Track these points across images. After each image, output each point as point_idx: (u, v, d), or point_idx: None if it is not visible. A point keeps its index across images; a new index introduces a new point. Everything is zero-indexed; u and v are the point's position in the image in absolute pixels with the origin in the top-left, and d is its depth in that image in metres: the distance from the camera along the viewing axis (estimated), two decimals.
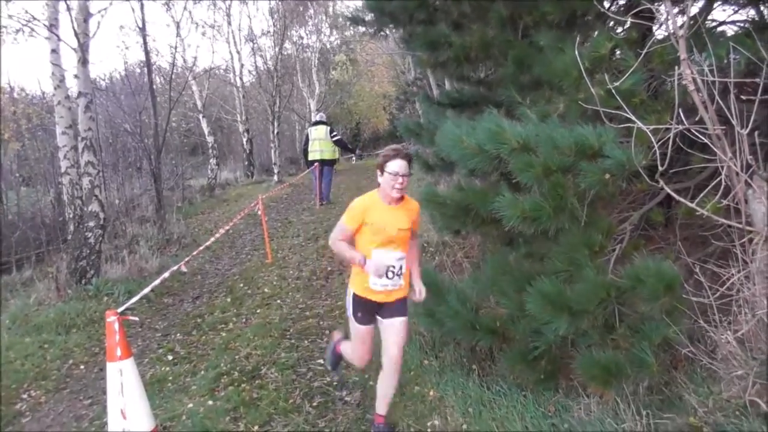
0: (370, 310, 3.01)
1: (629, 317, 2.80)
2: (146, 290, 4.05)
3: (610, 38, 2.93)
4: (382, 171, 2.91)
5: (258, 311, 5.43)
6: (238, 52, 20.01)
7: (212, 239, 5.97)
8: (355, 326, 3.05)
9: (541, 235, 2.94)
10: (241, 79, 20.18)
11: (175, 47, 13.48)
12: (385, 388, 3.04)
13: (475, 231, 3.95)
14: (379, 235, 2.89)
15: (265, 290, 6.13)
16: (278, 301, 5.70)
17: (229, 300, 5.87)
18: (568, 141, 2.64)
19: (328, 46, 25.86)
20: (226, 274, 7.06)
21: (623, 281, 2.70)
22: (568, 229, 2.88)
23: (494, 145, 2.83)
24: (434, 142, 4.93)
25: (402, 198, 2.98)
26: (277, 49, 19.11)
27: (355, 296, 3.00)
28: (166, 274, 4.41)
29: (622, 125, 2.65)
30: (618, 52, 2.99)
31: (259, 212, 8.08)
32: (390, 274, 2.88)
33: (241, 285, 6.42)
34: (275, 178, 17.75)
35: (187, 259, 5.11)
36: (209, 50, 50.25)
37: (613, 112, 2.67)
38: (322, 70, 24.88)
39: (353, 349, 3.17)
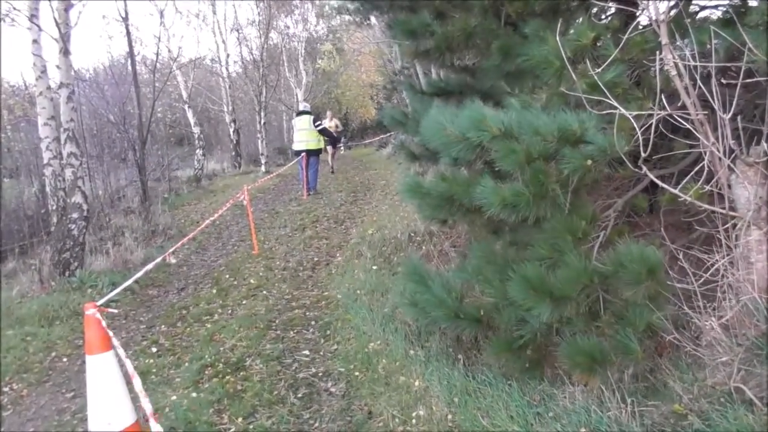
0: None
1: (613, 304, 2.78)
2: (130, 281, 3.99)
3: (593, 27, 2.89)
4: None
5: (244, 302, 5.38)
6: (223, 42, 19.79)
7: (198, 230, 5.90)
8: None
9: (524, 223, 2.91)
10: (227, 69, 19.99)
11: (159, 37, 13.33)
12: None
13: (461, 220, 3.92)
14: None
15: (251, 281, 6.07)
16: (264, 292, 5.65)
17: (214, 291, 5.80)
18: (550, 127, 2.60)
19: (315, 36, 25.65)
20: (212, 266, 6.98)
21: (606, 267, 2.68)
22: (551, 217, 2.85)
23: (476, 133, 2.78)
24: (419, 131, 4.90)
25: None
26: (262, 39, 18.92)
27: None
28: (151, 266, 4.35)
29: (605, 112, 2.62)
30: (600, 41, 2.95)
31: (245, 203, 7.99)
32: None
33: (227, 276, 6.36)
34: (262, 168, 17.64)
35: (172, 249, 5.04)
36: (194, 40, 49.59)
37: (596, 100, 2.63)
38: (309, 59, 24.68)
39: None
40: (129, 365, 2.72)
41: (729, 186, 2.51)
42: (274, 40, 22.24)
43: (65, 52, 6.46)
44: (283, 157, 23.19)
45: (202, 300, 5.54)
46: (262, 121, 18.57)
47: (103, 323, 2.72)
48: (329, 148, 14.95)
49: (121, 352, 2.71)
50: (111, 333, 2.77)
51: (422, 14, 4.26)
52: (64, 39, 6.44)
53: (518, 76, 3.90)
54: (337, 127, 15.70)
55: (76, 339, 4.74)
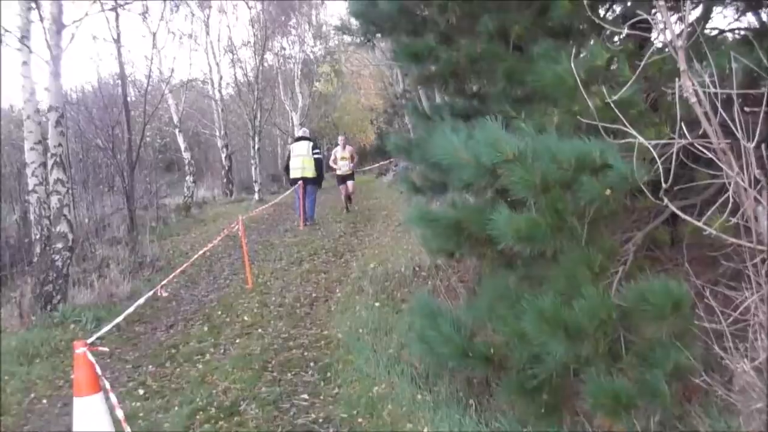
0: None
1: (636, 344, 2.77)
2: (119, 319, 3.98)
3: (607, 49, 2.95)
4: None
5: (237, 341, 5.35)
6: (216, 64, 20.06)
7: (189, 262, 5.91)
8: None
9: (539, 256, 2.92)
10: (219, 92, 20.28)
11: (151, 59, 13.51)
12: None
13: (471, 253, 3.93)
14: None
15: (245, 318, 6.06)
16: (259, 330, 5.63)
17: (206, 329, 5.78)
18: (567, 153, 2.62)
19: (312, 57, 26.02)
20: (202, 301, 6.97)
21: (627, 302, 2.68)
22: (567, 249, 2.86)
23: (489, 156, 2.80)
24: (425, 158, 4.95)
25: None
26: (257, 61, 19.21)
27: None
28: (141, 301, 4.34)
29: (622, 141, 2.65)
30: (614, 64, 3.01)
31: (239, 234, 8.02)
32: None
33: (219, 312, 6.34)
34: (256, 196, 17.74)
35: (163, 282, 5.05)
36: (187, 61, 50.32)
37: (610, 126, 2.67)
38: (306, 81, 25.03)
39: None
40: (120, 410, 2.70)
41: (755, 218, 2.53)
42: (269, 62, 22.60)
43: (56, 74, 6.58)
44: (277, 184, 23.32)
45: (193, 338, 5.52)
46: (256, 147, 18.74)
47: (95, 363, 2.72)
48: (348, 184, 13.62)
49: (112, 396, 2.70)
50: (101, 374, 2.76)
51: (427, 38, 4.34)
52: (55, 61, 6.56)
53: (525, 101, 3.96)
54: (352, 158, 13.73)
55: (57, 379, 4.71)
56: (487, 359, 3.21)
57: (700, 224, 2.55)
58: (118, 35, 10.94)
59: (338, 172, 13.61)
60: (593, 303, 2.63)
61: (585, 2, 2.93)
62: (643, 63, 2.67)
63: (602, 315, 2.62)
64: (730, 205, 2.51)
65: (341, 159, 13.50)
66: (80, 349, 2.81)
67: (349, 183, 13.63)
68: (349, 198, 13.90)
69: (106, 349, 3.97)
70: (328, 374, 4.45)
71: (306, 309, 6.32)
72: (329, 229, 11.47)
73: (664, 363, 2.57)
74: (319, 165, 12.01)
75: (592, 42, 3.30)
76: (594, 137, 2.68)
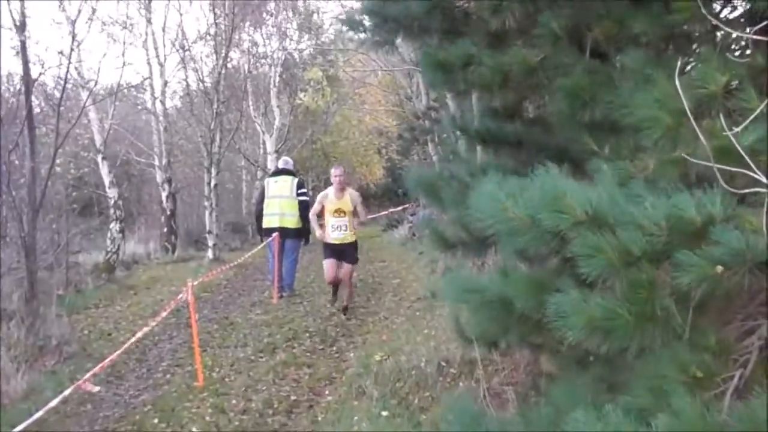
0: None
1: None
2: (23, 425, 4.04)
3: (725, 65, 3.05)
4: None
5: None
6: (160, 64, 20.39)
7: (122, 348, 5.97)
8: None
9: (621, 354, 2.97)
10: (162, 103, 20.52)
11: (69, 56, 13.80)
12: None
13: (523, 342, 4.00)
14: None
15: (193, 430, 6.09)
16: None
17: None
18: (658, 214, 2.68)
19: (296, 58, 26.36)
20: (131, 403, 7.00)
21: (743, 426, 2.69)
22: (661, 346, 2.89)
23: (551, 217, 2.87)
24: (458, 204, 5.05)
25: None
26: (219, 61, 19.53)
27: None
28: (63, 396, 4.39)
29: (744, 191, 2.71)
30: (734, 86, 3.10)
31: (189, 304, 8.11)
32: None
33: (156, 420, 6.37)
34: (209, 254, 17.85)
35: (88, 375, 5.12)
36: (118, 60, 51.15)
37: (729, 172, 2.74)
38: (286, 91, 25.39)
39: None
40: None
41: None
42: (234, 62, 22.98)
43: None
44: (240, 236, 23.46)
45: None
46: (213, 183, 18.90)
47: None
48: (345, 267, 10.72)
49: None
50: None
51: (463, 42, 4.49)
52: None
53: (609, 129, 4.06)
54: (356, 211, 10.70)
55: None
56: None
57: None
58: (22, 21, 11.17)
59: (330, 238, 10.53)
60: (688, 422, 2.63)
61: None
62: None
63: None
64: None
65: (335, 212, 10.45)
66: None
67: (347, 265, 10.63)
68: (336, 286, 11.18)
69: None
70: None
71: (281, 418, 6.35)
72: (316, 303, 11.54)
73: None
74: (305, 211, 11.54)
75: (702, 53, 3.41)
76: (703, 190, 2.72)
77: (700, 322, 2.88)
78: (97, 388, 5.19)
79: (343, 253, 10.52)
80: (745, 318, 3.63)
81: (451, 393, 5.88)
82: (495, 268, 4.83)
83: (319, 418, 6.24)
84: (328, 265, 10.56)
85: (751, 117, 2.79)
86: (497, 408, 5.20)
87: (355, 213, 10.56)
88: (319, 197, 10.84)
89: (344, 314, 10.44)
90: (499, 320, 3.43)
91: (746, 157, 2.66)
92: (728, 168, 2.79)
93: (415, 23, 4.74)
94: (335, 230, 10.39)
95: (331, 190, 10.52)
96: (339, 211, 10.39)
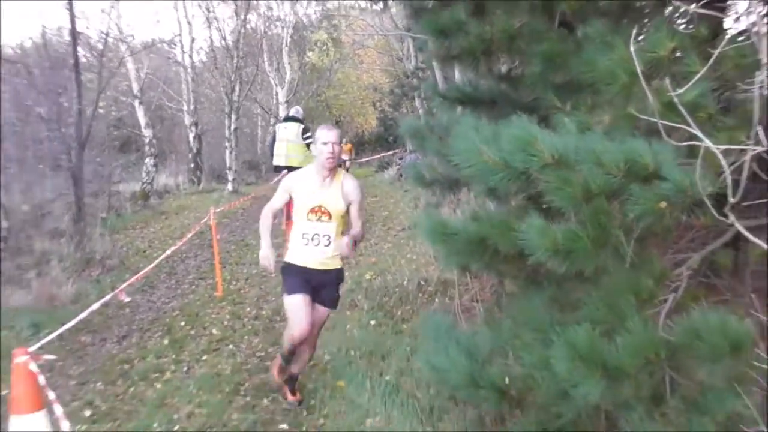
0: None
1: (684, 388, 2.83)
2: (69, 324, 4.04)
3: (673, 35, 3.00)
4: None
5: (204, 358, 5.43)
6: (188, 23, 20.09)
7: (155, 263, 5.98)
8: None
9: (575, 276, 2.98)
10: (190, 57, 20.31)
11: (109, 13, 13.54)
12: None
13: (489, 268, 4.00)
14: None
15: (214, 332, 6.13)
16: (230, 347, 5.71)
17: (166, 342, 5.86)
18: (616, 157, 2.68)
19: (305, 21, 26.07)
20: (162, 309, 7.04)
21: (677, 338, 2.73)
22: (609, 270, 2.92)
23: (523, 159, 2.86)
24: (442, 149, 5.01)
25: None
26: (239, 21, 19.25)
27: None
28: (97, 305, 4.40)
29: (684, 143, 2.70)
30: (680, 53, 3.06)
31: (211, 227, 8.09)
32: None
33: (183, 323, 6.42)
34: (229, 186, 17.81)
35: (125, 285, 5.12)
36: (152, 18, 50.47)
37: (674, 126, 2.73)
38: (296, 50, 25.12)
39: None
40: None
41: None
42: (252, 24, 22.65)
43: None
44: (255, 173, 23.40)
45: (150, 352, 5.59)
46: (233, 127, 18.79)
47: (38, 376, 2.78)
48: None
49: (58, 412, 2.76)
50: (45, 387, 2.82)
51: (455, 9, 4.40)
52: None
53: (572, 89, 4.02)
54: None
55: None
56: (502, 392, 3.27)
57: None
58: None
59: (299, 258, 4.39)
60: (639, 337, 2.68)
61: None
62: (716, 53, 2.73)
63: (649, 353, 2.67)
64: None
65: (313, 212, 4.33)
66: (21, 358, 2.85)
67: (322, 310, 4.47)
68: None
69: (53, 356, 4.01)
70: (312, 402, 4.52)
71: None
72: None
73: (715, 410, 2.63)
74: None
75: (654, 25, 3.35)
76: (653, 140, 2.73)
77: (645, 253, 2.89)
78: (128, 299, 5.19)
79: (322, 287, 4.39)
80: (676, 251, 3.65)
81: (429, 307, 5.93)
82: (467, 206, 4.83)
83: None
84: (296, 305, 4.26)
85: (694, 80, 2.76)
86: (467, 321, 5.24)
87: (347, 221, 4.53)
88: (284, 183, 4.62)
89: (290, 395, 4.57)
90: (471, 255, 3.42)
91: (685, 114, 2.64)
92: (671, 124, 2.78)
93: None
94: (310, 244, 4.34)
95: (309, 172, 4.49)
96: (320, 211, 4.34)
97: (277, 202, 4.55)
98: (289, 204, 4.52)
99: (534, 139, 2.81)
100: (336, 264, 4.37)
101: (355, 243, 4.26)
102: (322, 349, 5.50)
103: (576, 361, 2.77)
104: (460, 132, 3.26)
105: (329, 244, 4.26)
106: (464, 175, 3.52)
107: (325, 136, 4.20)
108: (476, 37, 4.22)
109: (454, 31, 4.31)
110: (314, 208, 4.24)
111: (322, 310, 4.38)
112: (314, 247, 4.26)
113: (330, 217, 4.25)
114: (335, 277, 4.40)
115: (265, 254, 4.33)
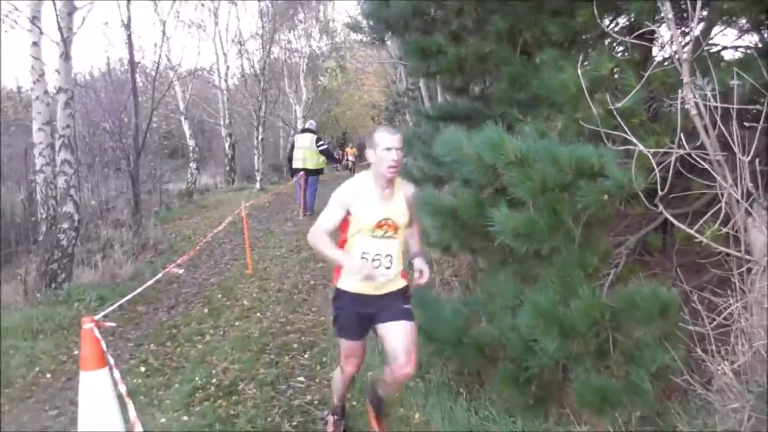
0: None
1: (624, 344, 2.81)
2: (129, 296, 4.01)
3: (611, 58, 2.99)
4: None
5: (236, 324, 5.38)
6: (224, 54, 20.06)
7: (198, 246, 5.94)
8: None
9: (534, 255, 2.97)
10: (226, 81, 20.26)
11: (161, 46, 13.44)
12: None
13: (465, 246, 3.97)
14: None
15: (245, 302, 6.09)
16: (258, 314, 5.66)
17: (206, 311, 5.81)
18: (568, 158, 2.68)
19: (318, 52, 25.99)
20: (203, 284, 6.99)
21: (617, 304, 2.73)
22: (562, 249, 2.90)
23: (492, 155, 2.86)
24: (427, 153, 5.00)
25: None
26: (264, 53, 19.17)
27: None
28: (152, 282, 4.37)
29: (622, 147, 2.69)
30: (617, 73, 3.05)
31: (243, 217, 8.05)
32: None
33: (219, 296, 6.37)
34: (257, 185, 17.75)
35: (178, 261, 5.10)
36: (195, 51, 50.21)
37: (612, 133, 2.72)
38: (310, 76, 25.01)
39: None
40: (123, 385, 2.73)
41: (745, 229, 2.57)
42: (275, 54, 22.55)
43: (66, 56, 6.55)
44: (278, 174, 23.31)
45: (193, 319, 5.54)
46: (260, 137, 18.72)
47: (101, 339, 2.74)
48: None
49: (116, 372, 2.73)
50: (106, 349, 2.79)
51: (436, 36, 4.39)
52: (66, 43, 6.53)
53: (530, 104, 4.01)
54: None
55: (61, 354, 4.73)
56: (480, 349, 3.26)
57: (692, 232, 2.59)
58: (129, 21, 10.84)
59: (355, 286, 2.97)
60: (587, 303, 2.68)
61: (595, 12, 2.96)
62: (647, 74, 2.71)
63: (595, 315, 2.67)
64: (721, 215, 2.56)
65: (378, 228, 2.88)
66: (88, 325, 2.81)
67: (407, 325, 2.94)
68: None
69: (113, 324, 3.98)
70: (324, 359, 4.49)
71: (304, 295, 6.35)
72: None
73: (649, 363, 2.63)
74: (328, 153, 12.10)
75: (597, 53, 3.34)
76: (596, 144, 2.73)
77: (591, 236, 2.88)
78: (181, 271, 5.21)
79: (383, 309, 2.92)
80: (616, 234, 3.63)
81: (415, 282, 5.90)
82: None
83: (329, 296, 6.18)
84: (348, 348, 3.07)
85: (631, 94, 2.74)
86: (447, 293, 5.21)
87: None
88: (337, 198, 2.94)
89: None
90: (449, 227, 3.41)
91: (621, 122, 2.64)
92: (610, 132, 2.77)
93: (401, 22, 4.61)
94: (371, 265, 2.87)
95: (364, 183, 2.96)
96: (387, 225, 2.88)
97: (329, 221, 2.93)
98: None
99: (501, 141, 2.83)
100: (397, 285, 2.97)
101: (417, 254, 3.10)
102: (327, 313, 5.48)
103: (539, 319, 2.77)
104: (446, 133, 3.28)
105: (391, 266, 2.89)
106: (446, 168, 3.52)
107: (389, 141, 2.79)
108: (453, 56, 4.21)
109: (435, 53, 4.30)
110: (381, 222, 2.83)
111: (405, 325, 2.88)
112: (378, 270, 2.84)
113: (396, 230, 2.88)
114: (396, 293, 2.96)
115: (353, 264, 2.81)
